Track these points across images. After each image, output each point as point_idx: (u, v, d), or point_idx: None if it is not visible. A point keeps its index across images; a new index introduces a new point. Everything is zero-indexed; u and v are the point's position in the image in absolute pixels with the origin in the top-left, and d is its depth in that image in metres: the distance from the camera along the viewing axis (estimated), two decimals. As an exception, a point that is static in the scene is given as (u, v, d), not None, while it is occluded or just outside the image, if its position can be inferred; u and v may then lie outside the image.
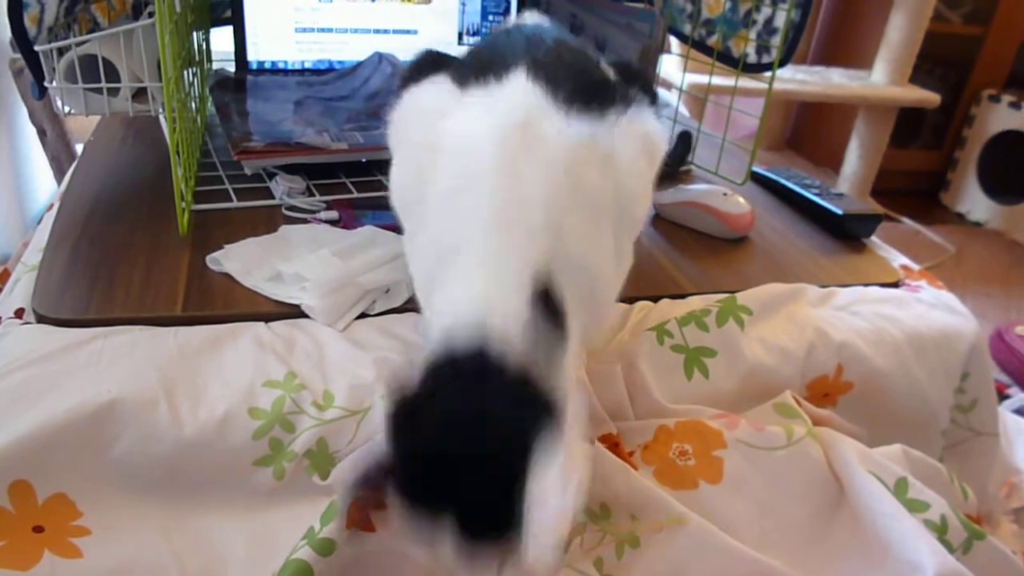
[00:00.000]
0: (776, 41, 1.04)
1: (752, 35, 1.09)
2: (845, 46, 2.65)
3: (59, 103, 0.83)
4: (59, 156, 1.56)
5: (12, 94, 1.54)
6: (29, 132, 1.63)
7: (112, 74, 0.84)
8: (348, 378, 0.66)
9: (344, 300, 0.73)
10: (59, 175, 1.57)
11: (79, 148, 1.56)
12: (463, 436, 0.47)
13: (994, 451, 0.90)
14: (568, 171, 0.55)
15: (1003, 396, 1.52)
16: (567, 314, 0.53)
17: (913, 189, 2.66)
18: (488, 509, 0.46)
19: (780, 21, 1.04)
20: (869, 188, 2.42)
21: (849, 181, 2.41)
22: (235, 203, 0.89)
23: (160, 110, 0.83)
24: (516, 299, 0.51)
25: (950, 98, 2.53)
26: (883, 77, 2.29)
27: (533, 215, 0.53)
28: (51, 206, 0.94)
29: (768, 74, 1.04)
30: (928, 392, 0.82)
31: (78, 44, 0.80)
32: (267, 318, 0.72)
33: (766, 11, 1.06)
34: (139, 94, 0.88)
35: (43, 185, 1.74)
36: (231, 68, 1.20)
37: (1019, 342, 1.61)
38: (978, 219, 2.51)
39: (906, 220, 2.42)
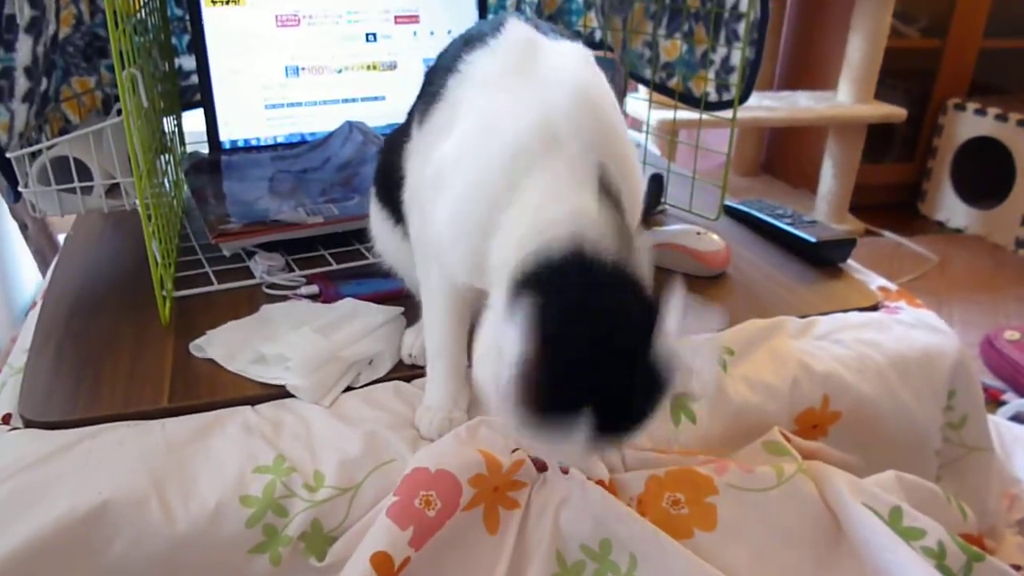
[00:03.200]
0: (735, 79, 1.07)
1: (711, 75, 1.11)
2: (809, 69, 2.70)
3: (33, 207, 0.84)
4: (42, 249, 1.57)
5: (-9, 191, 1.55)
6: (11, 226, 1.64)
7: (84, 172, 0.85)
8: (337, 455, 0.66)
9: (328, 376, 0.73)
10: (43, 267, 1.58)
11: (61, 239, 1.58)
12: (598, 327, 0.50)
13: (990, 465, 0.90)
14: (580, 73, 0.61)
15: (998, 402, 1.52)
16: (621, 198, 0.57)
17: (891, 202, 2.69)
18: (628, 395, 0.50)
19: (736, 59, 1.06)
20: (847, 205, 2.44)
21: (826, 200, 2.43)
22: (216, 286, 0.90)
23: (135, 204, 0.85)
24: (589, 199, 0.55)
25: (917, 110, 2.56)
26: (848, 96, 2.33)
27: (583, 124, 0.58)
28: (35, 303, 0.95)
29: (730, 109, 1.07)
30: (916, 413, 0.82)
31: (48, 148, 0.81)
32: (253, 401, 0.73)
33: (722, 51, 1.09)
34: (113, 189, 0.89)
35: (28, 277, 1.74)
36: (204, 149, 1.22)
37: (1009, 347, 1.62)
38: (958, 226, 2.54)
39: (887, 233, 2.44)
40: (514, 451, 0.66)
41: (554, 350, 0.48)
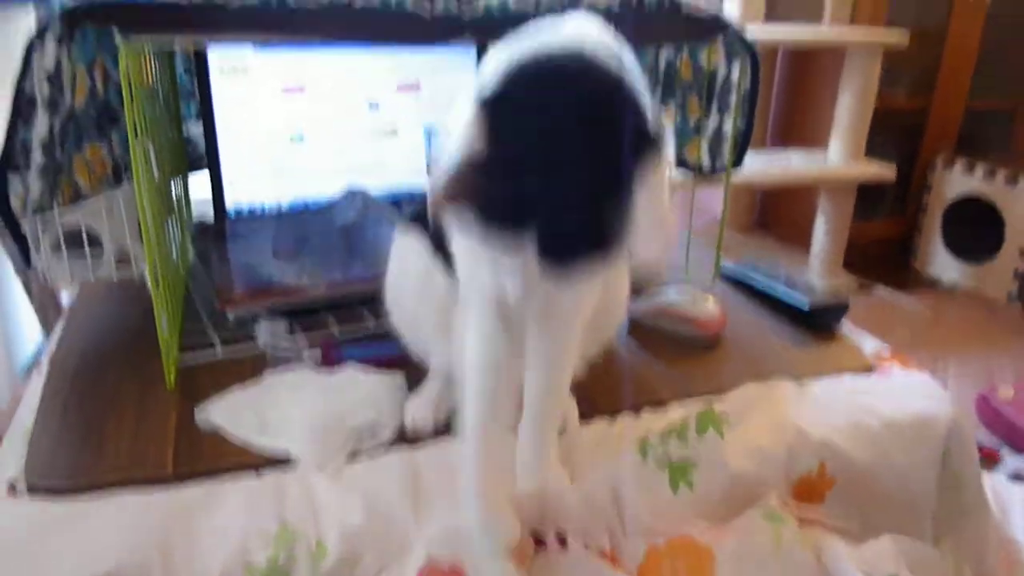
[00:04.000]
0: (727, 147, 1.10)
1: (704, 143, 1.15)
2: (799, 128, 2.76)
3: (44, 276, 0.86)
4: (45, 306, 1.59)
5: (-3, 249, 1.58)
6: (14, 283, 1.66)
7: (94, 241, 0.87)
8: (340, 525, 0.67)
9: (331, 443, 0.74)
10: (46, 324, 1.59)
11: (64, 296, 1.59)
12: (565, 89, 0.49)
13: (987, 527, 0.91)
14: None
15: (995, 461, 1.53)
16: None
17: (884, 257, 2.73)
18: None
19: (729, 128, 1.10)
20: (840, 261, 2.48)
21: (820, 256, 2.47)
22: (220, 352, 0.91)
23: (143, 271, 0.86)
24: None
25: (907, 167, 2.62)
26: (839, 156, 2.38)
27: None
28: (39, 363, 0.96)
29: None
30: (911, 478, 0.83)
31: (61, 219, 0.83)
32: (257, 468, 0.73)
33: (714, 120, 1.13)
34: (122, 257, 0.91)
35: (31, 334, 1.76)
36: (210, 213, 1.24)
37: (1004, 405, 1.63)
38: (950, 281, 2.57)
39: (881, 289, 2.47)
40: None
41: (506, 138, 0.47)
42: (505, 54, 0.55)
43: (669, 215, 0.51)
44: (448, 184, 0.48)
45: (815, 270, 2.48)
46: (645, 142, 0.50)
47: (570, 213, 0.50)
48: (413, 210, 0.83)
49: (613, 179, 0.49)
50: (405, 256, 0.81)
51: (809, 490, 0.79)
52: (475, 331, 0.65)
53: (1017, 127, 2.73)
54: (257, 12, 0.79)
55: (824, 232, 2.45)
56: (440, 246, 0.75)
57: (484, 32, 0.88)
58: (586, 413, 0.82)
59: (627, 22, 0.65)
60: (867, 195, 2.51)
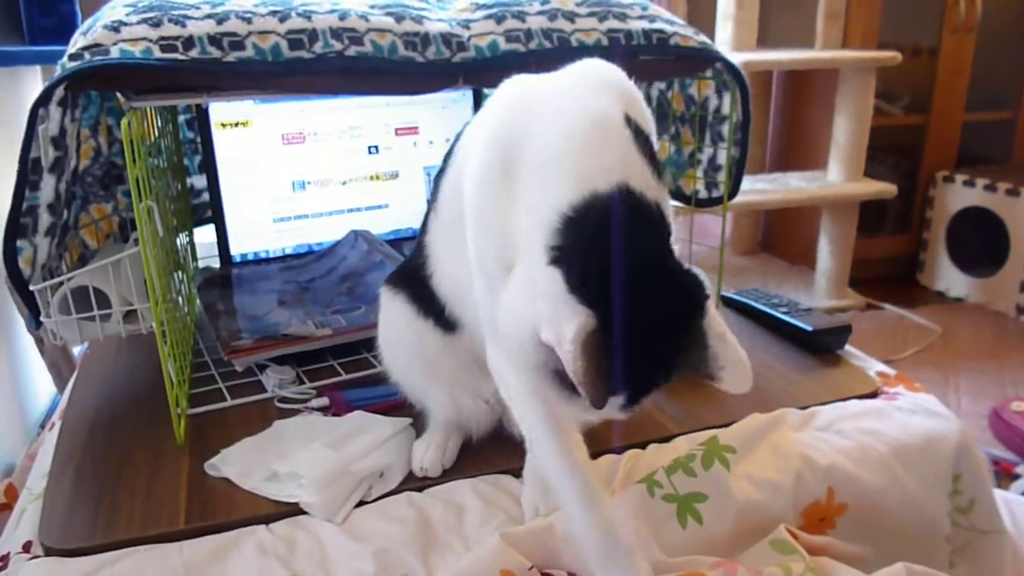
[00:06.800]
0: (722, 176, 1.11)
1: (699, 174, 1.16)
2: (798, 151, 2.78)
3: (54, 335, 0.87)
4: (57, 362, 1.60)
5: (8, 305, 1.60)
6: (26, 340, 1.68)
7: (102, 300, 0.88)
8: (350, 574, 0.67)
9: (340, 492, 0.75)
10: (58, 380, 1.61)
11: (76, 351, 1.61)
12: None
13: (1002, 547, 0.90)
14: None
15: (1012, 476, 1.52)
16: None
17: (890, 274, 2.72)
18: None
19: (722, 158, 1.11)
20: (846, 280, 2.47)
21: (826, 276, 2.47)
22: (229, 402, 0.92)
23: (151, 327, 0.88)
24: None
25: (908, 183, 2.63)
26: (838, 175, 2.39)
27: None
28: (52, 423, 0.97)
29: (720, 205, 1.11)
30: (922, 500, 0.83)
31: (69, 279, 0.85)
32: (268, 519, 0.74)
33: (708, 151, 1.14)
34: (130, 314, 0.92)
35: (43, 389, 1.77)
36: (216, 263, 1.26)
37: (1017, 419, 1.62)
38: (958, 295, 2.56)
39: (888, 306, 2.47)
40: (530, 569, 0.67)
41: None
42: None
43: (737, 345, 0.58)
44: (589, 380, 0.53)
45: (821, 290, 2.48)
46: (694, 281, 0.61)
47: (657, 369, 0.58)
48: (395, 270, 0.85)
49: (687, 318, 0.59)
50: (390, 318, 0.83)
51: (820, 517, 0.78)
52: (519, 375, 0.67)
53: (1017, 138, 2.74)
54: (254, 65, 0.81)
55: (828, 251, 2.45)
56: (428, 302, 0.77)
57: (477, 77, 0.91)
58: (592, 450, 0.83)
59: (617, 58, 0.67)
60: (870, 213, 2.52)
